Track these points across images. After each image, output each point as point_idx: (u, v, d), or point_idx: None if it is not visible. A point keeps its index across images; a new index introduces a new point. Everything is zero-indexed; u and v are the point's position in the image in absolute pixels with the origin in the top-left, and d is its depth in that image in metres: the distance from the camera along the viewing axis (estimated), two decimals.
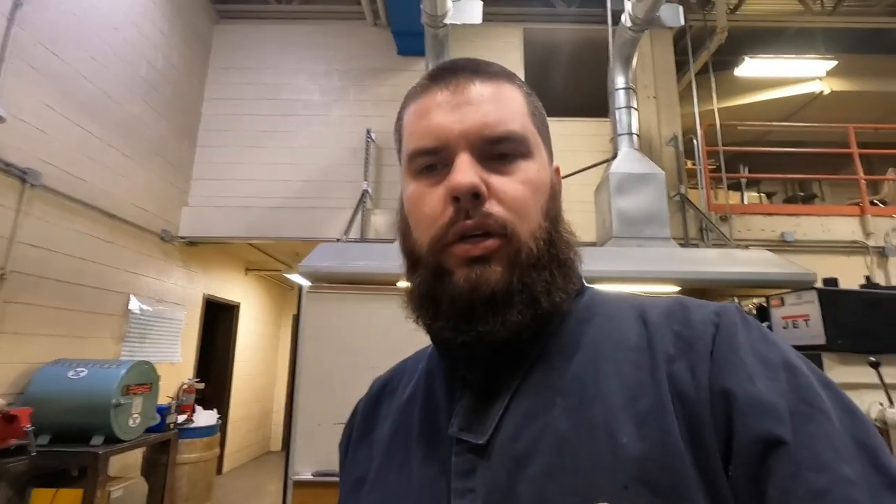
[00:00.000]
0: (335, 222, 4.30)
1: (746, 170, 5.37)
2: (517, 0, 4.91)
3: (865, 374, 1.75)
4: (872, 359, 1.71)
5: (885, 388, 1.71)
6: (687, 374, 0.37)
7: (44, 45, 3.02)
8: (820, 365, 1.89)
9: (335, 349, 2.70)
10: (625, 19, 3.65)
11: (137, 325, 3.83)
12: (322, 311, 2.75)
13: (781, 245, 4.11)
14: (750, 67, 5.29)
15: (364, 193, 4.30)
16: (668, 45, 4.88)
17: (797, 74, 5.61)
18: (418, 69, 4.68)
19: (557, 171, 0.51)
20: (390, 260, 2.99)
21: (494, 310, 0.41)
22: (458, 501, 0.39)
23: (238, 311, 5.93)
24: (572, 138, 4.43)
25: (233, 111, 4.74)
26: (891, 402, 1.72)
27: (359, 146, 4.55)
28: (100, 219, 3.45)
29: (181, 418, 3.70)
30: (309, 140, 4.66)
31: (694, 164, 4.56)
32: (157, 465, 3.38)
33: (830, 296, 2.05)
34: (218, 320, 5.68)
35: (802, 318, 2.07)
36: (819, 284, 2.58)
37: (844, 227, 4.24)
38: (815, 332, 1.98)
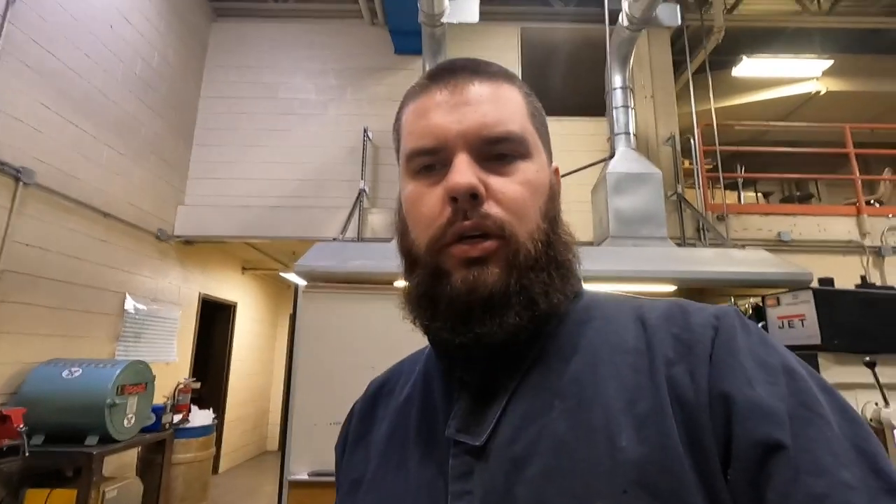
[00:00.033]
0: (332, 221, 4.29)
1: (743, 169, 5.38)
2: None
3: (861, 374, 1.75)
4: (868, 359, 1.71)
5: (881, 387, 1.71)
6: (686, 377, 0.37)
7: (37, 43, 3.00)
8: (816, 365, 1.89)
9: (331, 349, 2.69)
10: (622, 19, 3.65)
11: (133, 324, 3.81)
12: (318, 311, 2.74)
13: (778, 245, 4.11)
14: (747, 67, 5.30)
15: (361, 192, 4.29)
16: (665, 44, 4.88)
17: (794, 74, 5.62)
18: (415, 68, 4.67)
19: (556, 171, 0.51)
20: (387, 259, 3.01)
21: (492, 312, 0.41)
22: (456, 503, 0.39)
23: (235, 310, 5.91)
24: (569, 138, 4.43)
25: (229, 110, 4.72)
26: (886, 401, 1.72)
27: (356, 145, 4.53)
28: (95, 217, 3.43)
29: (177, 418, 3.68)
30: (306, 139, 4.65)
31: (691, 164, 4.56)
32: (153, 465, 3.37)
33: (826, 296, 2.06)
34: (214, 320, 5.66)
35: (798, 318, 2.07)
36: (815, 284, 2.58)
37: (841, 227, 4.25)
38: (810, 332, 1.98)
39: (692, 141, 4.47)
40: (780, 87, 5.89)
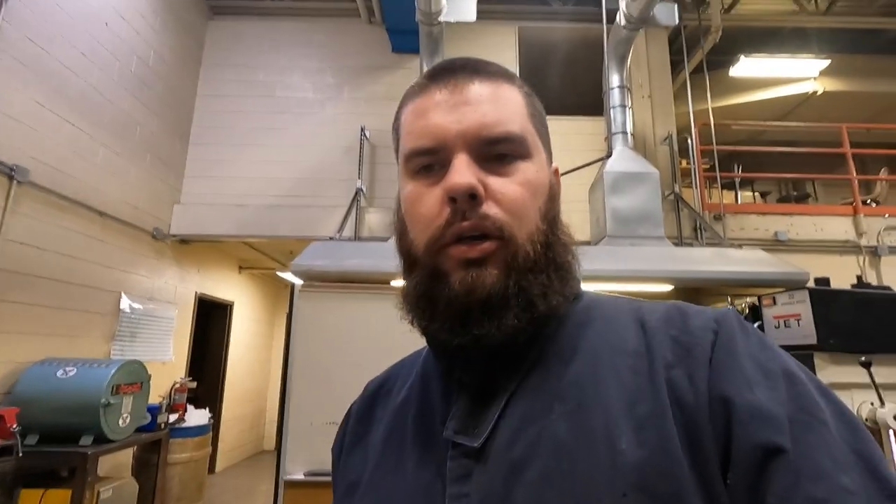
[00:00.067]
0: (329, 220, 4.28)
1: (740, 169, 5.39)
2: None
3: (856, 373, 1.75)
4: (863, 358, 1.71)
5: (876, 387, 1.71)
6: (685, 380, 0.37)
7: (32, 41, 2.98)
8: (812, 365, 1.89)
9: (328, 348, 2.69)
10: (620, 18, 3.64)
11: (128, 323, 3.79)
12: (315, 310, 2.73)
13: (775, 244, 4.12)
14: (744, 67, 5.31)
15: (358, 191, 4.28)
16: (663, 44, 4.88)
17: (791, 74, 5.63)
18: (413, 67, 4.66)
19: (556, 172, 0.50)
20: (383, 259, 3.00)
21: (490, 313, 0.40)
22: None
23: (231, 309, 5.89)
24: (567, 137, 4.43)
25: (226, 108, 4.70)
26: (881, 401, 1.72)
27: (353, 144, 4.52)
28: (90, 216, 3.42)
29: (172, 418, 3.67)
30: (303, 138, 4.63)
31: (688, 164, 4.57)
32: (148, 465, 3.35)
33: (822, 295, 2.06)
34: (211, 319, 5.64)
35: (794, 318, 2.07)
36: (811, 284, 2.59)
37: (837, 227, 4.26)
38: (806, 332, 1.98)
39: (689, 140, 4.47)
40: (777, 87, 5.90)
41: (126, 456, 3.49)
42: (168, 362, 4.30)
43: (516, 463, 0.38)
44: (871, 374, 1.70)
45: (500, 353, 0.42)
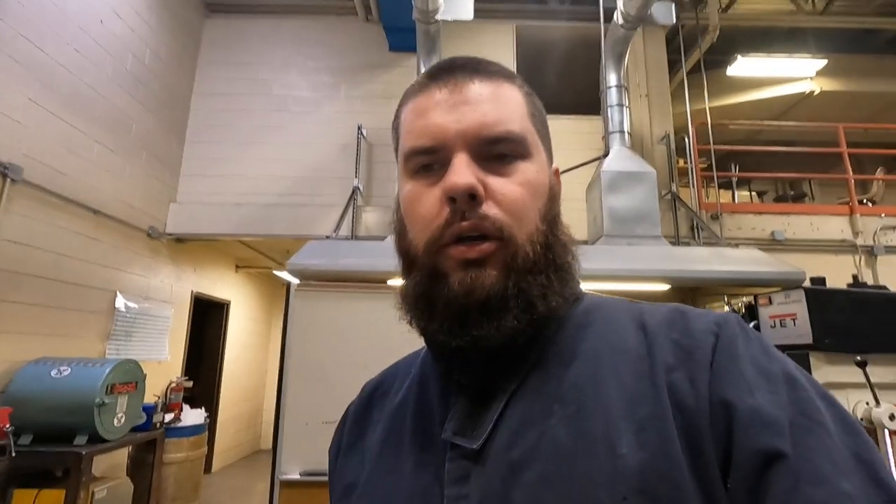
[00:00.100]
0: (326, 219, 4.26)
1: (737, 169, 5.39)
2: None
3: (852, 373, 1.75)
4: (859, 358, 1.71)
5: (872, 387, 1.71)
6: (686, 383, 0.37)
7: (25, 37, 2.96)
8: (807, 364, 1.89)
9: (324, 348, 2.68)
10: (617, 17, 3.64)
11: (123, 322, 3.77)
12: (310, 309, 2.73)
13: (772, 244, 4.12)
14: (742, 66, 5.31)
15: (355, 190, 4.27)
16: (660, 43, 4.88)
17: (788, 74, 5.64)
18: (410, 65, 4.65)
19: (557, 172, 0.50)
20: (380, 258, 2.99)
21: (489, 314, 0.40)
22: None
23: (228, 308, 5.88)
24: (564, 136, 4.42)
25: (222, 107, 4.68)
26: (877, 401, 1.72)
27: (350, 142, 4.51)
28: (84, 215, 3.39)
29: (168, 417, 3.65)
30: (299, 136, 4.62)
31: (685, 163, 4.57)
32: (143, 465, 3.34)
33: (818, 295, 2.06)
34: (207, 318, 5.62)
35: (790, 318, 2.07)
36: (807, 284, 2.59)
37: (834, 227, 4.26)
38: (802, 332, 1.98)
39: (686, 140, 4.47)
40: (774, 87, 5.91)
41: (121, 456, 3.47)
42: (164, 361, 4.29)
43: (515, 465, 0.37)
44: (866, 374, 1.70)
45: (499, 355, 0.42)
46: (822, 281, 2.38)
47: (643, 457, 0.34)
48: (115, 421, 2.86)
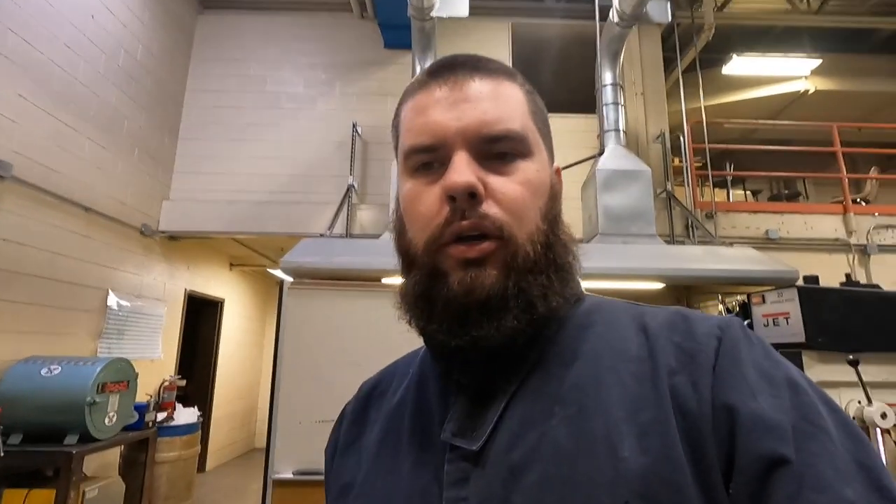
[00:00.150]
0: (320, 217, 4.24)
1: (732, 167, 5.40)
2: None
3: (844, 372, 1.76)
4: (851, 357, 1.72)
5: (864, 386, 1.71)
6: (689, 387, 0.36)
7: (14, 32, 2.92)
8: (800, 363, 1.90)
9: (317, 346, 2.67)
10: (612, 15, 3.63)
11: (116, 321, 3.74)
12: (304, 308, 2.71)
13: (766, 243, 4.13)
14: (737, 65, 5.32)
15: (350, 188, 4.25)
16: (656, 42, 4.88)
17: (783, 73, 5.66)
18: (405, 63, 4.63)
19: (558, 171, 0.50)
20: (374, 256, 2.98)
21: (489, 314, 0.40)
22: None
23: (222, 306, 5.85)
24: (559, 134, 4.33)
25: (216, 103, 4.64)
26: (869, 400, 1.72)
27: (344, 140, 4.49)
28: (75, 212, 3.36)
29: (161, 416, 3.63)
30: (294, 134, 4.59)
31: (680, 162, 4.57)
32: (136, 464, 3.32)
33: (811, 294, 2.06)
34: (201, 316, 5.59)
35: (783, 316, 2.07)
36: (801, 282, 2.59)
37: (828, 226, 4.28)
38: (795, 331, 1.99)
39: (682, 138, 4.47)
40: (769, 86, 5.92)
41: (113, 455, 3.45)
42: (157, 360, 4.26)
43: (515, 467, 0.37)
44: (858, 373, 1.70)
45: (499, 355, 0.42)
46: (815, 280, 2.39)
47: (645, 461, 0.34)
48: (107, 420, 2.84)
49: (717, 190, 4.79)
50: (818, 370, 1.91)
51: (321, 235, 3.93)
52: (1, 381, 2.72)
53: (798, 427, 0.33)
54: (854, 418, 1.80)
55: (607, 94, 3.84)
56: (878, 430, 1.74)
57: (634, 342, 0.41)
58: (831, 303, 2.03)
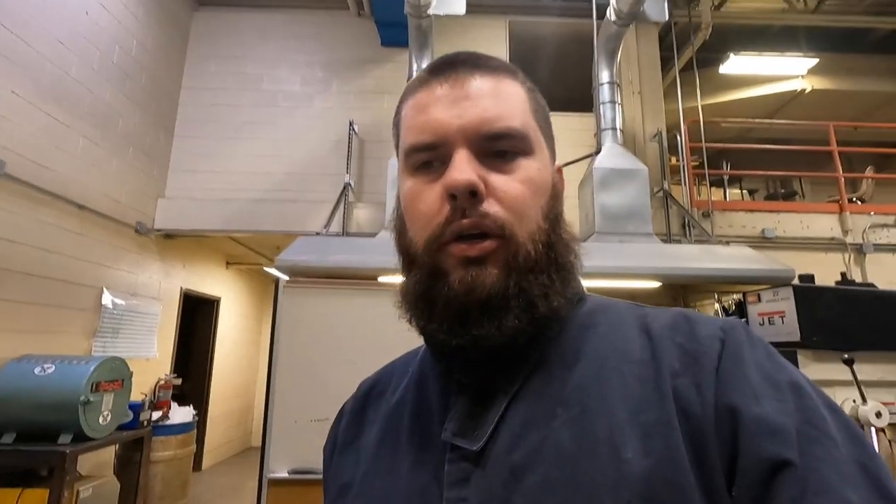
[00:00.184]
0: (317, 216, 4.23)
1: (729, 166, 5.41)
2: None
3: (839, 371, 1.76)
4: (846, 356, 1.72)
5: (859, 385, 1.71)
6: (692, 389, 0.36)
7: (6, 27, 2.89)
8: (795, 362, 1.90)
9: (313, 345, 2.66)
10: (610, 13, 3.63)
11: (111, 319, 3.72)
12: (299, 306, 2.70)
13: (762, 241, 4.14)
14: (734, 64, 5.33)
15: (346, 186, 4.24)
16: (653, 41, 4.88)
17: (780, 72, 5.67)
18: (402, 61, 4.61)
19: (560, 170, 0.49)
20: (371, 254, 2.97)
21: (490, 314, 0.40)
22: None
23: (218, 305, 5.83)
24: (556, 132, 4.40)
25: (212, 101, 4.62)
26: (864, 399, 1.73)
27: (341, 138, 4.47)
28: (69, 209, 3.34)
29: (156, 415, 3.61)
30: (290, 132, 4.57)
31: (677, 161, 4.57)
32: (130, 464, 3.30)
33: (806, 293, 2.06)
34: (197, 315, 5.57)
35: (778, 315, 2.07)
36: (797, 281, 2.60)
37: (824, 225, 4.29)
38: (790, 329, 1.99)
39: (679, 137, 4.47)
40: (766, 85, 5.93)
41: (108, 454, 3.43)
42: (152, 359, 4.24)
43: (517, 468, 0.37)
44: (853, 372, 1.70)
45: (500, 355, 0.41)
46: (810, 278, 2.39)
47: (649, 463, 0.34)
48: (101, 419, 2.82)
49: (713, 189, 4.80)
50: (813, 369, 1.91)
51: (317, 234, 3.92)
52: None
53: (801, 430, 0.33)
54: None
55: (604, 93, 3.84)
56: (873, 429, 1.74)
57: (637, 343, 0.41)
58: (826, 302, 2.03)
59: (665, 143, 4.47)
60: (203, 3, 4.85)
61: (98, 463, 3.38)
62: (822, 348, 1.93)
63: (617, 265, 2.97)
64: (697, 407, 0.35)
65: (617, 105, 3.81)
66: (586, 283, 0.49)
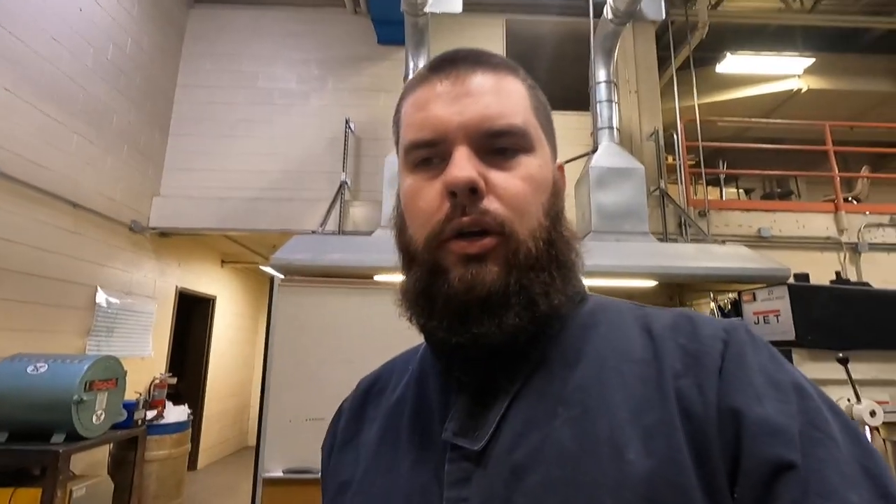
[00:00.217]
0: (312, 214, 4.21)
1: (725, 166, 5.42)
2: None
3: (834, 370, 1.76)
4: (841, 355, 1.72)
5: (853, 384, 1.72)
6: (694, 390, 0.36)
7: None
8: (790, 361, 1.90)
9: (308, 343, 2.65)
10: (607, 12, 3.62)
11: (105, 318, 3.70)
12: (294, 305, 2.69)
13: (758, 241, 4.15)
14: (730, 64, 5.33)
15: (342, 185, 4.22)
16: (650, 39, 4.88)
17: (776, 72, 5.68)
18: (398, 59, 4.60)
19: (561, 168, 0.49)
20: (367, 253, 2.96)
21: (490, 312, 0.40)
22: None
23: (214, 304, 5.80)
24: None
25: (207, 99, 4.60)
26: (858, 398, 1.73)
27: (337, 136, 4.45)
28: (63, 208, 3.31)
29: (150, 414, 3.60)
30: (286, 130, 4.55)
31: (674, 160, 4.58)
32: (125, 463, 3.28)
33: (801, 292, 2.06)
34: (193, 313, 5.55)
35: (773, 314, 2.07)
36: (791, 280, 2.60)
37: (819, 224, 4.30)
38: (785, 328, 1.99)
39: (675, 136, 4.47)
40: (762, 85, 5.94)
41: (102, 453, 3.41)
42: (147, 358, 4.22)
43: (518, 468, 0.37)
44: (847, 371, 1.71)
45: (500, 353, 0.41)
46: (805, 277, 2.40)
47: (651, 464, 0.34)
48: (94, 418, 2.81)
49: (710, 188, 4.80)
50: (808, 368, 1.91)
51: (313, 232, 3.91)
52: None
53: (804, 432, 0.33)
54: None
55: (601, 92, 3.84)
56: (867, 428, 1.74)
57: (639, 344, 0.41)
58: (821, 301, 2.03)
59: (662, 143, 4.47)
60: (198, 0, 4.82)
61: (92, 462, 3.36)
62: (817, 347, 1.94)
63: (613, 264, 2.97)
64: (699, 407, 0.35)
65: (614, 104, 3.81)
66: (593, 282, 0.48)
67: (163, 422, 3.69)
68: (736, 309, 2.41)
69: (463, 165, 0.40)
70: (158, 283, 4.50)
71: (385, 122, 4.49)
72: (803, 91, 5.87)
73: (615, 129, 3.75)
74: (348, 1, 4.69)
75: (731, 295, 3.15)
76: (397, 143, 0.48)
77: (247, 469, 5.51)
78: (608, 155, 3.61)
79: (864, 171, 5.64)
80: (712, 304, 3.29)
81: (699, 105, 4.78)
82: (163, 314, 4.53)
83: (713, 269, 3.05)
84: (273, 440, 2.50)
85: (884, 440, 1.88)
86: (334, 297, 2.73)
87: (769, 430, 0.33)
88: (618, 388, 0.38)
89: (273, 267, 2.80)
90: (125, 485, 3.21)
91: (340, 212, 4.15)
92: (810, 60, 5.42)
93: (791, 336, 1.96)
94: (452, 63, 0.44)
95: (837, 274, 2.82)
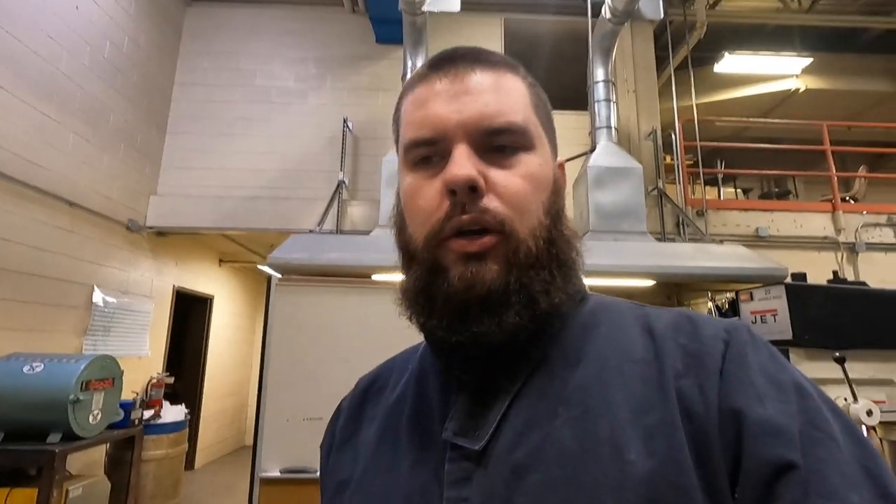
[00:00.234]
0: (310, 213, 4.20)
1: (723, 165, 5.43)
2: None
3: (831, 369, 1.76)
4: (838, 354, 1.72)
5: (850, 383, 1.72)
6: (695, 390, 0.36)
7: None
8: (787, 360, 1.90)
9: (305, 343, 2.64)
10: (605, 11, 3.62)
11: (102, 317, 3.69)
12: (292, 304, 2.69)
13: (756, 240, 4.15)
14: (729, 63, 5.34)
15: (340, 184, 4.22)
16: (648, 39, 4.88)
17: (774, 71, 5.69)
18: (397, 58, 4.59)
19: (561, 166, 0.49)
20: (365, 252, 2.95)
21: (490, 310, 0.39)
22: None
23: (211, 303, 5.79)
24: None
25: (205, 97, 4.58)
26: (855, 397, 1.73)
27: (335, 135, 4.44)
28: (59, 207, 3.30)
29: (147, 414, 3.59)
30: (284, 128, 4.54)
31: (672, 159, 4.58)
32: (121, 463, 3.28)
33: (798, 291, 2.07)
34: (191, 313, 5.54)
35: (770, 314, 2.08)
36: (789, 280, 2.60)
37: (817, 224, 4.31)
38: (782, 328, 1.99)
39: (673, 136, 4.48)
40: (760, 84, 5.95)
41: (98, 453, 3.41)
42: (144, 357, 4.21)
43: (519, 468, 0.36)
44: (844, 370, 1.71)
45: (500, 352, 0.41)
46: (802, 277, 2.40)
47: (652, 464, 0.34)
48: (91, 418, 2.80)
49: (707, 188, 4.81)
50: (805, 367, 1.91)
51: (311, 231, 3.90)
52: None
53: (805, 432, 0.33)
54: None
55: (599, 91, 3.83)
56: (864, 428, 1.75)
57: (640, 344, 0.41)
58: (818, 300, 2.03)
59: (660, 142, 4.48)
60: None
61: (88, 462, 3.35)
62: (814, 346, 1.94)
63: (611, 263, 2.96)
64: (701, 408, 0.35)
65: (612, 103, 3.81)
66: (593, 281, 0.48)
67: (160, 421, 3.68)
68: (733, 308, 2.42)
69: (462, 163, 0.40)
70: (156, 282, 4.48)
71: (383, 122, 4.48)
72: (801, 91, 5.88)
73: (613, 129, 3.75)
74: (346, 0, 4.67)
75: (728, 294, 3.16)
76: (397, 141, 0.48)
77: (244, 469, 5.50)
78: (606, 154, 3.60)
79: (862, 171, 5.65)
80: (710, 304, 3.30)
81: (697, 105, 4.78)
82: (160, 313, 4.52)
83: (711, 268, 3.05)
84: (270, 440, 2.49)
85: (881, 439, 1.88)
86: (332, 296, 2.72)
87: (770, 430, 0.33)
88: (619, 388, 0.38)
89: (271, 266, 2.80)
90: (122, 485, 3.20)
91: (338, 211, 4.14)
92: (808, 60, 5.43)
93: (788, 335, 1.96)
94: (452, 61, 0.44)
95: (835, 273, 2.82)
